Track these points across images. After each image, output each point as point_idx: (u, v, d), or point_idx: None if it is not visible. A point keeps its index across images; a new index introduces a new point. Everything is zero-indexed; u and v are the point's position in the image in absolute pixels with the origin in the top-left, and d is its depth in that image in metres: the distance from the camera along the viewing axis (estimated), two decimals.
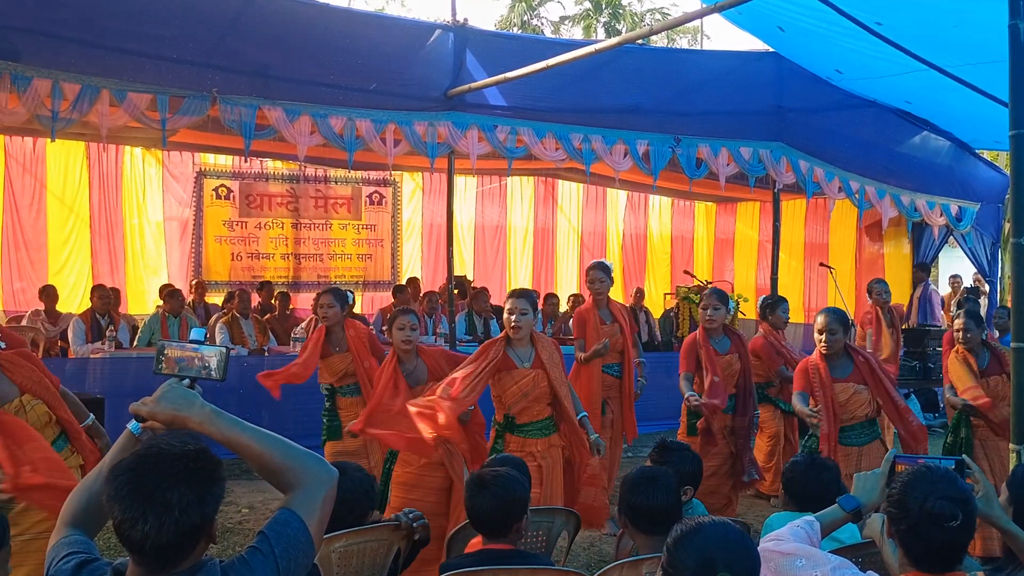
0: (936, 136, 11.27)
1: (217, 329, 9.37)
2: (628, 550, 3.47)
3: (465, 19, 8.81)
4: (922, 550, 2.37)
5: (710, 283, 11.65)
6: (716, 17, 6.77)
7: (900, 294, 13.07)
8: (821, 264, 12.22)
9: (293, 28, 8.06)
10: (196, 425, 2.00)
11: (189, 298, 10.90)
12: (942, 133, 11.27)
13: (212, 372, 2.16)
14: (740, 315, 10.93)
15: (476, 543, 3.48)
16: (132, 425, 2.11)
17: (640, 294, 12.51)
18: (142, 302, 11.86)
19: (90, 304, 9.41)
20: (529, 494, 3.44)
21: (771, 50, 10.05)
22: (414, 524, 3.45)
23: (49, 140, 9.06)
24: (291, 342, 9.26)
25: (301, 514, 1.96)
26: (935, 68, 8.53)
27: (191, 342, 2.21)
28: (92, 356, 8.45)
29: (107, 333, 8.87)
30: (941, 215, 11.51)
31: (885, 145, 10.89)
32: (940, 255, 14.11)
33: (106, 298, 9.36)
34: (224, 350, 2.20)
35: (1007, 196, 11.30)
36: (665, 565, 2.25)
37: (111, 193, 11.75)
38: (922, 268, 12.17)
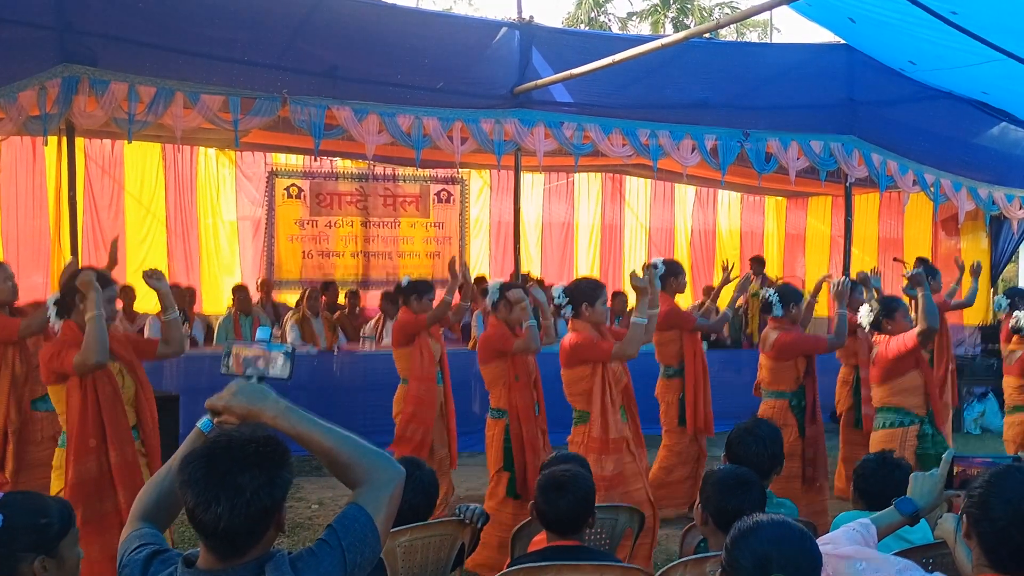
0: (1015, 127, 10.93)
1: (288, 328, 9.51)
2: (693, 548, 3.45)
3: (531, 16, 8.81)
4: (1007, 552, 2.25)
5: (780, 279, 11.48)
6: (785, 10, 6.67)
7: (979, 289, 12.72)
8: (895, 259, 11.95)
9: (360, 28, 8.16)
10: (270, 419, 2.05)
11: (256, 297, 11.07)
12: (1021, 124, 10.94)
13: (277, 371, 2.20)
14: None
15: (540, 539, 3.49)
16: (202, 423, 2.18)
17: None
18: (217, 301, 12.05)
19: None
20: (595, 490, 3.43)
21: (842, 42, 9.88)
22: (478, 523, 3.47)
23: (126, 142, 9.29)
24: (360, 340, 9.37)
25: (369, 509, 2.01)
26: (1014, 57, 8.28)
27: (257, 341, 2.26)
28: None
29: (182, 331, 9.04)
30: (1020, 208, 11.18)
31: (961, 137, 10.62)
32: (1020, 249, 13.70)
33: (181, 297, 9.55)
34: (289, 349, 2.24)
35: None
36: (724, 563, 2.24)
37: (186, 193, 11.97)
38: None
